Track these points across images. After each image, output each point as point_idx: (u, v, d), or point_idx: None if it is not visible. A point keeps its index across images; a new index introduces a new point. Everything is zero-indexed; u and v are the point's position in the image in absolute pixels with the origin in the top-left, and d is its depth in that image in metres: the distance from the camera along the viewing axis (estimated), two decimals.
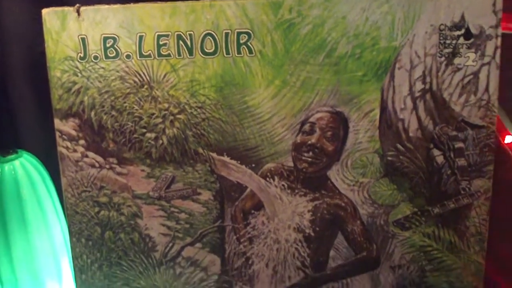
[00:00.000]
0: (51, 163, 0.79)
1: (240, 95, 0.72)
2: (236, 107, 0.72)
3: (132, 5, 0.71)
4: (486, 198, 0.74)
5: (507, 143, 0.80)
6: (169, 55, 0.71)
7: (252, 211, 0.76)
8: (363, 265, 0.77)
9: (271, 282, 0.78)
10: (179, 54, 0.71)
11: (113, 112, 0.73)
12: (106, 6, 0.71)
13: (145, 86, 0.72)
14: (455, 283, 0.77)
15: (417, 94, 0.71)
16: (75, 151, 0.75)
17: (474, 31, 0.69)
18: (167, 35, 0.71)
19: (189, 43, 0.71)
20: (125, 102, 0.73)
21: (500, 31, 0.69)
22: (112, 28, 0.71)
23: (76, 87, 0.72)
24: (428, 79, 0.71)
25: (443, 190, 0.74)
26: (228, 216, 0.76)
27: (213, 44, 0.71)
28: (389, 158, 0.73)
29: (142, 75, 0.72)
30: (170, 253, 0.78)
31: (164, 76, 0.72)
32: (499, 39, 0.69)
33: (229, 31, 0.70)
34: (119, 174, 0.76)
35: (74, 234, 0.78)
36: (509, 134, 0.79)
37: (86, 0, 0.71)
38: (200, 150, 0.74)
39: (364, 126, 0.72)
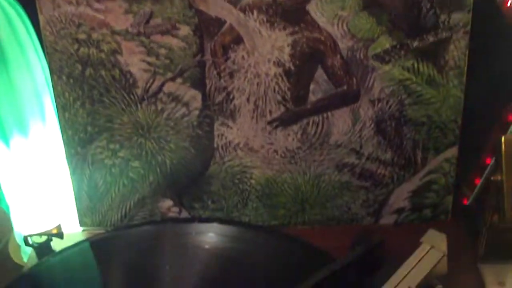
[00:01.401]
0: (28, 2, 0.77)
1: None
2: None
3: None
4: (465, 32, 0.74)
5: None
6: None
7: (232, 45, 0.76)
8: (343, 99, 0.78)
9: (252, 117, 0.80)
10: None
11: None
12: None
13: None
14: (433, 117, 0.79)
15: None
16: None
17: None
18: None
19: None
20: None
21: None
22: None
23: None
24: None
25: (422, 23, 0.74)
26: (208, 51, 0.76)
27: None
28: None
29: None
30: (151, 88, 0.78)
31: None
32: None
33: None
34: (96, 10, 0.74)
35: (55, 72, 0.78)
36: None
37: None
38: None
39: None
